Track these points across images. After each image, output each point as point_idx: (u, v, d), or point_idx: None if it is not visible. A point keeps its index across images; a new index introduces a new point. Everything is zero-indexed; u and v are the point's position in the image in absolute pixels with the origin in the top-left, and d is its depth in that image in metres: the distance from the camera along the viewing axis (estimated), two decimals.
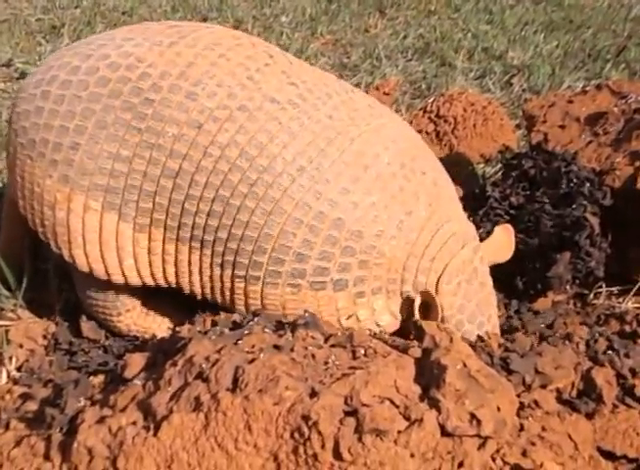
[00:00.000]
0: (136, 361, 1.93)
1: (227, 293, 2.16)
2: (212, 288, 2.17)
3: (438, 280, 2.15)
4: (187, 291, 2.21)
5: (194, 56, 2.11)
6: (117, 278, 2.22)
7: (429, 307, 2.14)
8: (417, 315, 2.11)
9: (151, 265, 2.19)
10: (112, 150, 2.07)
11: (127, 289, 2.32)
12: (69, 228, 2.16)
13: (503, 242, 2.38)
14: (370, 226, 2.05)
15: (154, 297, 2.40)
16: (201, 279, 2.17)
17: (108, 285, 2.29)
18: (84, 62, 2.16)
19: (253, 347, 1.77)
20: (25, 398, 2.06)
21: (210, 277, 2.15)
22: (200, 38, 2.17)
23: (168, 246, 2.14)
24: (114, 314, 2.39)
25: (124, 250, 2.16)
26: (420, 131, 3.73)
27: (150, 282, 2.22)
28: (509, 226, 2.40)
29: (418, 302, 2.13)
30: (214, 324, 2.00)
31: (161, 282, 2.22)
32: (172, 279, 2.20)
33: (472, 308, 2.19)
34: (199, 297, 2.21)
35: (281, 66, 2.18)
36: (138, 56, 2.12)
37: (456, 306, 2.17)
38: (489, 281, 2.30)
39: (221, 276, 2.13)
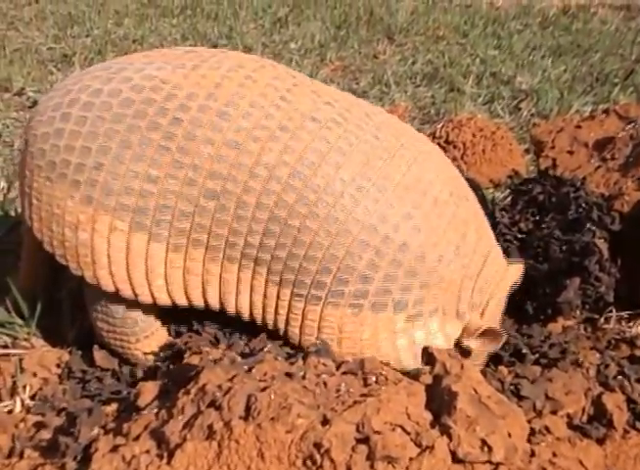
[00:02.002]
0: (149, 389, 1.94)
1: (282, 312, 2.14)
2: (265, 308, 2.16)
3: (488, 301, 2.21)
4: (232, 311, 2.19)
5: (220, 78, 2.11)
6: (145, 298, 2.20)
7: (489, 334, 2.17)
8: (474, 339, 2.17)
9: (186, 285, 2.17)
10: (138, 170, 2.06)
11: (147, 314, 2.33)
12: (94, 249, 2.14)
13: (508, 277, 2.39)
14: (431, 251, 2.08)
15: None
16: (251, 299, 2.15)
17: (127, 311, 2.29)
18: (106, 85, 2.15)
19: (265, 374, 1.78)
20: (39, 426, 2.07)
21: (264, 296, 2.14)
22: (222, 61, 2.18)
23: (211, 265, 2.13)
24: (133, 341, 2.37)
25: (154, 271, 2.15)
26: None
27: (182, 302, 2.21)
28: (520, 267, 2.41)
29: (482, 328, 2.15)
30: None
31: (198, 303, 2.20)
32: (214, 300, 2.18)
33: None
34: (245, 317, 2.19)
35: (308, 85, 2.20)
36: (162, 78, 2.12)
37: (493, 323, 2.24)
38: None
39: (278, 295, 2.12)
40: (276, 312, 2.15)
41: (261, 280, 2.11)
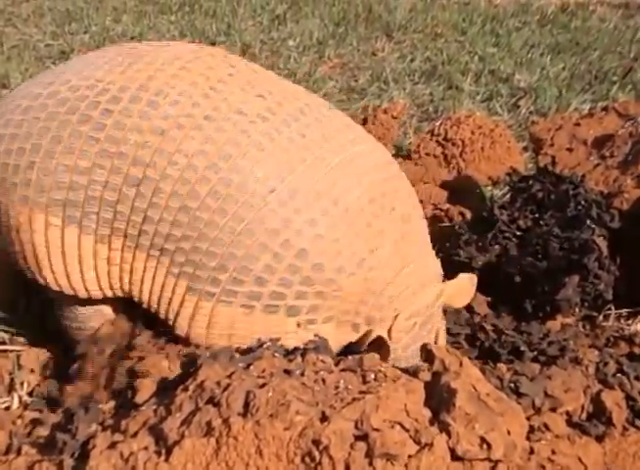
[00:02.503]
0: (147, 386, 1.94)
1: (175, 304, 2.10)
2: (160, 298, 2.12)
3: (397, 316, 2.15)
4: (136, 299, 2.16)
5: (154, 70, 2.10)
6: (82, 293, 2.19)
7: (380, 345, 2.12)
8: (364, 347, 2.12)
9: (109, 276, 2.14)
10: (68, 162, 2.05)
11: (100, 309, 2.31)
12: (35, 249, 2.13)
13: (464, 289, 2.36)
14: (331, 260, 2.04)
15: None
16: (151, 287, 2.11)
17: (83, 305, 2.28)
18: (46, 88, 2.15)
19: (264, 371, 1.77)
20: (37, 423, 2.06)
21: (162, 286, 2.10)
22: (159, 55, 2.16)
23: (126, 254, 2.09)
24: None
25: (86, 262, 2.13)
26: (428, 154, 3.76)
27: (109, 294, 2.19)
28: (474, 277, 2.38)
29: (372, 337, 2.11)
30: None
31: (119, 293, 2.18)
32: (127, 288, 2.15)
33: (414, 351, 2.17)
34: (144, 306, 2.16)
35: (245, 75, 2.16)
36: (98, 77, 2.11)
37: (402, 344, 2.17)
38: (442, 327, 2.33)
39: (174, 286, 2.08)
40: (169, 304, 2.11)
41: (163, 270, 2.08)
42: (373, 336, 2.11)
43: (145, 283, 2.11)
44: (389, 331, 2.15)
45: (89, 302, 2.25)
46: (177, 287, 2.08)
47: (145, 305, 2.16)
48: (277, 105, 2.09)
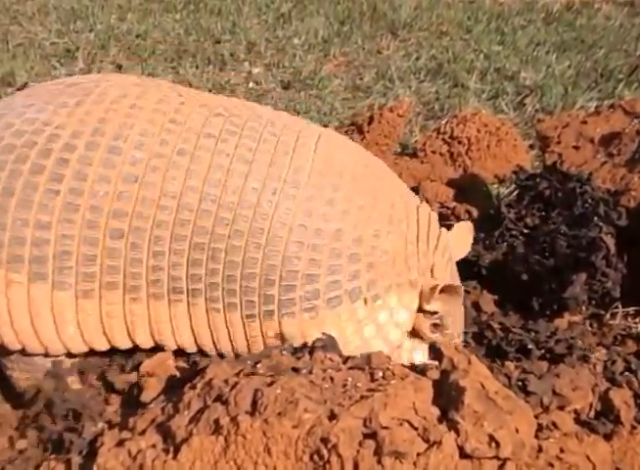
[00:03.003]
0: (152, 385, 1.94)
1: (238, 337, 2.07)
2: (216, 338, 2.08)
3: (434, 254, 2.18)
4: (172, 347, 2.10)
5: (104, 111, 2.02)
6: (56, 349, 2.08)
7: (450, 291, 2.15)
8: (434, 301, 2.14)
9: (109, 329, 2.05)
10: (25, 217, 1.94)
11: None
12: None
13: (464, 238, 2.40)
14: (366, 228, 2.05)
15: None
16: (194, 332, 2.07)
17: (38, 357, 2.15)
18: None
19: (272, 369, 1.77)
20: (44, 422, 2.06)
21: (211, 327, 2.06)
22: (105, 93, 2.08)
23: (134, 306, 2.02)
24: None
25: (64, 318, 2.02)
26: (434, 152, 3.75)
27: (102, 346, 2.10)
28: (469, 224, 2.40)
29: (440, 287, 2.12)
30: None
31: (123, 344, 2.10)
32: (144, 339, 2.08)
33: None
34: (191, 350, 2.12)
35: (195, 100, 2.13)
36: (44, 120, 2.01)
37: (447, 279, 2.21)
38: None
39: (227, 322, 2.04)
40: (232, 340, 2.08)
41: (201, 311, 2.03)
42: (437, 287, 2.12)
43: (181, 329, 2.07)
44: (432, 271, 2.18)
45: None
46: (231, 320, 2.04)
47: (192, 350, 2.12)
48: (237, 117, 2.08)
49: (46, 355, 2.13)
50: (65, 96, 2.09)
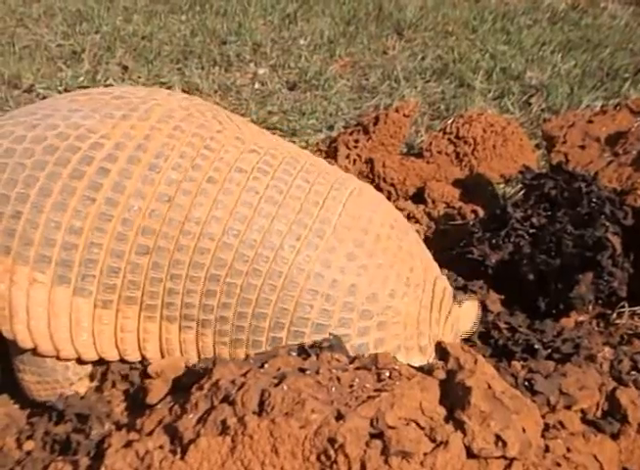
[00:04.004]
0: (157, 387, 1.94)
1: None
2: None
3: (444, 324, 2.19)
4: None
5: (149, 129, 2.04)
6: (67, 354, 2.09)
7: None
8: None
9: (120, 342, 2.07)
10: (59, 220, 1.96)
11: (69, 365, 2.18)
12: (11, 302, 2.01)
13: (469, 315, 2.36)
14: (382, 287, 2.05)
15: None
16: (200, 358, 2.07)
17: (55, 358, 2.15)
18: (30, 131, 2.05)
19: (279, 370, 1.78)
20: (52, 423, 2.07)
21: (216, 357, 2.04)
22: (152, 110, 2.10)
23: (148, 324, 2.04)
24: (66, 386, 2.23)
25: (80, 325, 2.04)
26: (439, 153, 3.74)
27: (112, 357, 2.11)
28: (476, 303, 2.38)
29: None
30: None
31: (133, 357, 2.11)
32: (154, 354, 2.09)
33: None
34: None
35: (232, 131, 2.14)
36: (89, 127, 2.03)
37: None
38: None
39: (231, 355, 2.04)
40: None
41: (208, 342, 2.04)
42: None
43: (190, 353, 2.07)
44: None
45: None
46: (236, 356, 2.03)
47: None
48: (271, 157, 2.09)
49: (57, 358, 2.12)
50: (110, 107, 2.11)
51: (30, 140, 2.04)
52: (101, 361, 2.15)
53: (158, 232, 1.96)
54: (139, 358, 2.12)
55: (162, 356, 2.10)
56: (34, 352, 2.11)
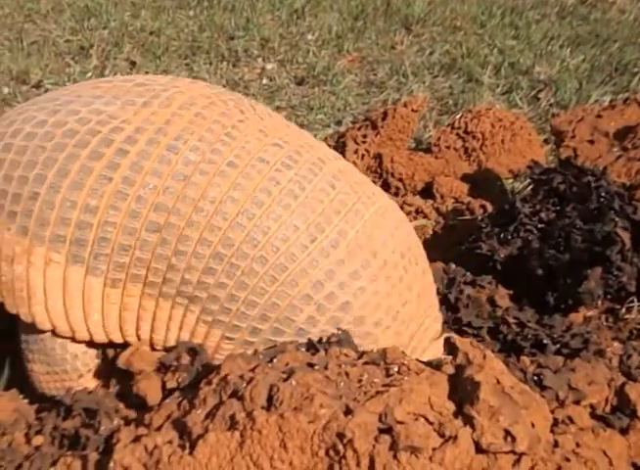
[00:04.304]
0: (151, 386, 1.95)
1: (209, 352, 2.06)
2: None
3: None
4: (159, 347, 2.11)
5: (170, 114, 2.05)
6: (82, 335, 2.10)
7: None
8: None
9: (122, 322, 2.08)
10: (75, 199, 1.97)
11: (87, 346, 2.20)
12: (29, 283, 2.04)
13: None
14: (372, 314, 2.03)
15: None
16: (178, 335, 2.06)
17: (65, 346, 2.18)
18: (51, 116, 2.07)
19: (287, 365, 1.78)
20: (61, 418, 2.07)
21: (192, 334, 2.05)
22: (173, 97, 2.11)
23: (146, 302, 2.04)
24: (75, 378, 2.24)
25: (91, 305, 2.05)
26: (448, 147, 3.74)
27: (117, 339, 2.12)
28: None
29: None
30: None
31: (132, 339, 2.11)
32: (145, 335, 2.09)
33: None
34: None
35: (255, 122, 2.12)
36: (110, 113, 2.04)
37: None
38: None
39: (207, 335, 2.04)
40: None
41: (192, 318, 2.02)
42: None
43: (171, 331, 2.07)
44: None
45: (71, 346, 2.17)
46: (211, 335, 2.04)
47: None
48: (296, 153, 2.07)
49: (73, 340, 2.14)
50: (132, 94, 2.12)
51: (51, 124, 2.05)
52: (109, 345, 2.16)
53: (170, 209, 1.96)
54: (136, 340, 2.12)
55: (151, 336, 2.09)
56: (53, 333, 2.12)
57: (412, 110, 3.76)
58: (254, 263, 1.96)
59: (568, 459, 1.69)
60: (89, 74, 5.26)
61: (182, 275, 1.98)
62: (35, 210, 2.00)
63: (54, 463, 1.85)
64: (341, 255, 2.00)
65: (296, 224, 1.97)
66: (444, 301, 2.59)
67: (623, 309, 2.69)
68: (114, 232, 1.97)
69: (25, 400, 2.33)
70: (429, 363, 1.84)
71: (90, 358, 2.24)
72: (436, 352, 2.19)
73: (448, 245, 3.11)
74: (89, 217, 1.97)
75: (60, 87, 4.81)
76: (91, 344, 2.16)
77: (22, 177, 2.01)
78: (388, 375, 1.75)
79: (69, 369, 2.23)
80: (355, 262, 2.01)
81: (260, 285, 1.96)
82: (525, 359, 2.15)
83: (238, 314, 1.99)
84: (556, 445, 1.74)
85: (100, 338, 2.11)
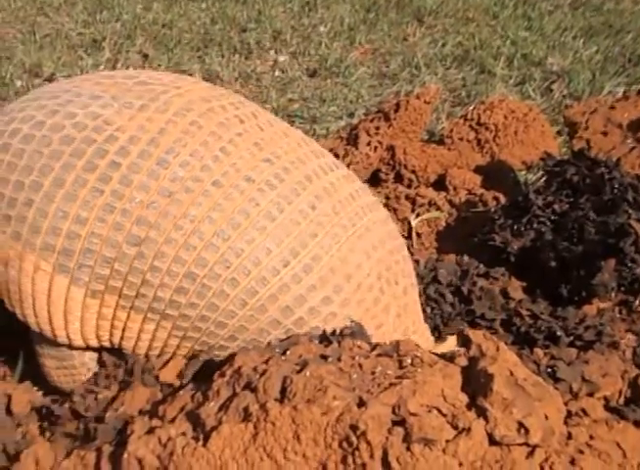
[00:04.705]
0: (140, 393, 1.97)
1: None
2: (162, 354, 2.11)
3: None
4: (127, 351, 2.13)
5: (165, 122, 2.02)
6: (63, 340, 2.13)
7: None
8: None
9: (98, 329, 2.09)
10: (68, 210, 1.97)
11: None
12: (20, 287, 2.07)
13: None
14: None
15: None
16: (150, 345, 2.08)
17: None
18: (49, 118, 2.06)
19: (300, 357, 1.78)
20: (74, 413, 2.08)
21: (164, 345, 2.07)
22: (171, 102, 2.07)
23: (120, 313, 2.04)
24: (84, 372, 2.29)
25: (72, 313, 2.07)
26: (461, 139, 3.73)
27: (93, 344, 2.15)
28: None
29: None
30: None
31: (106, 344, 2.14)
32: (117, 341, 2.11)
33: None
34: (140, 355, 2.14)
35: (253, 134, 2.08)
36: (106, 118, 2.02)
37: None
38: None
39: (178, 347, 2.06)
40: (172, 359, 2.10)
41: (164, 334, 2.03)
42: None
43: (142, 341, 2.08)
44: None
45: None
46: (181, 348, 2.06)
47: (140, 355, 2.13)
48: (284, 171, 2.03)
49: (55, 344, 2.18)
50: (131, 95, 2.09)
51: (49, 128, 2.04)
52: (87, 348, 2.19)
53: (152, 224, 1.94)
54: (108, 345, 2.15)
55: (120, 343, 2.11)
56: (40, 335, 2.15)
57: (425, 101, 3.75)
58: (225, 285, 1.94)
59: (581, 451, 1.69)
60: (102, 67, 5.27)
61: (155, 292, 1.97)
62: (29, 217, 2.00)
63: (68, 455, 1.85)
64: (312, 280, 1.97)
65: (269, 247, 1.95)
66: (457, 293, 2.59)
67: (637, 301, 2.68)
68: (99, 244, 1.97)
69: (39, 393, 2.34)
70: (442, 355, 1.84)
71: (97, 352, 2.26)
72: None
73: (461, 237, 3.10)
74: (78, 228, 1.97)
75: None
76: None
77: (18, 182, 2.02)
78: (401, 367, 1.75)
79: (78, 364, 2.27)
80: (327, 288, 1.98)
81: (230, 308, 1.96)
82: (539, 351, 2.15)
83: (207, 333, 2.00)
84: (569, 437, 1.73)
85: (78, 343, 2.14)
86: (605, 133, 3.35)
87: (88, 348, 2.19)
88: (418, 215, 3.26)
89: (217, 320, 1.97)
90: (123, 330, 2.07)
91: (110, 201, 1.96)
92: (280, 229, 1.97)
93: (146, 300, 1.99)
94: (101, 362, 2.25)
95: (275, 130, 2.15)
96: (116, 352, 2.20)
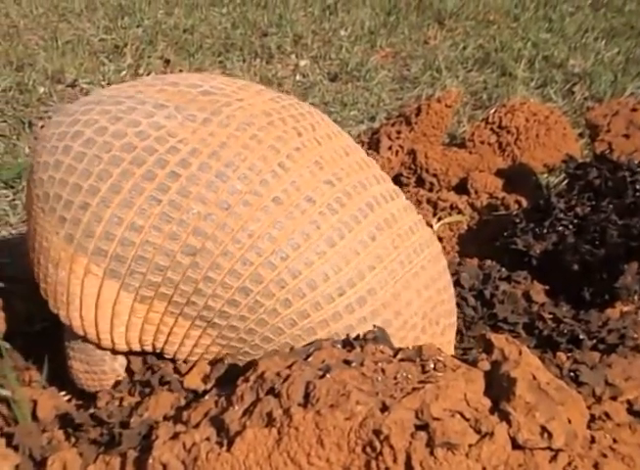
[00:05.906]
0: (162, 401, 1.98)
1: None
2: (200, 360, 2.12)
3: None
4: (168, 356, 2.15)
5: (227, 136, 2.01)
6: (107, 344, 2.15)
7: None
8: None
9: (142, 333, 2.11)
10: (123, 216, 1.98)
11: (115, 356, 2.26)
12: (69, 289, 2.09)
13: None
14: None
15: None
16: (191, 352, 2.10)
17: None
18: (113, 124, 2.07)
19: (323, 362, 1.78)
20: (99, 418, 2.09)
21: (205, 353, 2.09)
22: (234, 115, 2.06)
23: (167, 318, 2.05)
24: (113, 377, 2.30)
25: (119, 318, 2.08)
26: (482, 142, 3.73)
27: (135, 348, 2.16)
28: None
29: None
30: None
31: (148, 348, 2.15)
32: (161, 345, 2.12)
33: None
34: (179, 361, 2.17)
35: (312, 150, 2.06)
36: (169, 130, 2.02)
37: None
38: None
39: (218, 354, 2.07)
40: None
41: (208, 339, 2.04)
42: None
43: (185, 346, 2.10)
44: None
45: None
46: (221, 355, 2.08)
47: (180, 361, 2.16)
48: (346, 196, 2.02)
49: (98, 347, 2.19)
50: (194, 107, 2.09)
51: (111, 134, 2.05)
52: (129, 352, 2.21)
53: (208, 235, 1.95)
54: (151, 349, 2.16)
55: (163, 347, 2.13)
56: (84, 339, 2.17)
57: (446, 105, 3.75)
58: (278, 304, 1.95)
59: (605, 455, 1.68)
60: (124, 73, 5.30)
61: (206, 301, 1.98)
62: (84, 220, 2.01)
63: (94, 461, 1.86)
64: (364, 313, 1.98)
65: (327, 273, 1.95)
66: (479, 296, 2.59)
67: None
68: (153, 252, 1.98)
69: (65, 398, 2.36)
70: (464, 360, 1.84)
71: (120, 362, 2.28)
72: None
73: (483, 240, 3.11)
74: (133, 236, 1.98)
75: (95, 86, 4.87)
76: None
77: (76, 185, 2.03)
78: (423, 372, 1.75)
79: (108, 370, 2.27)
80: (376, 322, 1.98)
81: (279, 325, 1.96)
82: (562, 355, 2.15)
83: (252, 345, 2.01)
84: (593, 441, 1.73)
85: (121, 347, 2.16)
86: (627, 136, 3.34)
87: (125, 353, 2.21)
88: (440, 219, 3.26)
89: (264, 335, 1.98)
90: (169, 335, 2.08)
91: (167, 210, 1.96)
92: (339, 257, 1.96)
93: (196, 308, 2.00)
94: (128, 370, 2.27)
95: (334, 146, 2.13)
96: (143, 359, 2.23)
